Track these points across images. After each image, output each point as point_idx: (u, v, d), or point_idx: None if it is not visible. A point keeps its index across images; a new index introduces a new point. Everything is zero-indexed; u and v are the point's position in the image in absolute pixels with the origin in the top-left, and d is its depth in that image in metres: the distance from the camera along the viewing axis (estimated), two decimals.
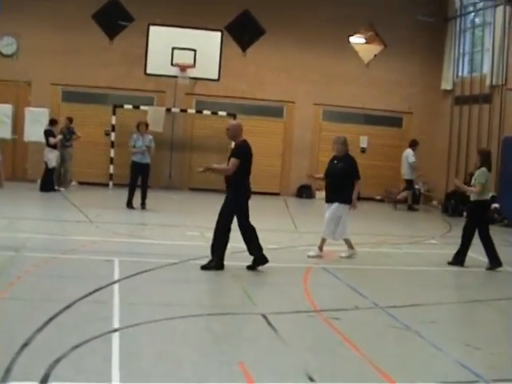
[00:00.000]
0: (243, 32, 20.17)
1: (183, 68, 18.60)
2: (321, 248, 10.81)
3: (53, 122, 18.01)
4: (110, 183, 19.73)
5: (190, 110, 20.18)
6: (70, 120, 18.53)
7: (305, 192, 20.94)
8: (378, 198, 21.37)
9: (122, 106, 19.51)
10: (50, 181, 17.86)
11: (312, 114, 21.24)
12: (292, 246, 11.86)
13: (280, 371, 5.57)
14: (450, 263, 10.75)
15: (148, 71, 18.74)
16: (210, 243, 9.50)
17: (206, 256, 9.69)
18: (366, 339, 6.62)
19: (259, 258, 9.45)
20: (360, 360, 5.94)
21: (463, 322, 8.19)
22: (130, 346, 5.98)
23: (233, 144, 10.19)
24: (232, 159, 9.25)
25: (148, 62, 18.62)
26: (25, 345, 5.76)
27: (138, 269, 9.07)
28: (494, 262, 10.54)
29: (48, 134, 17.71)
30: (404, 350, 6.46)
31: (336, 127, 20.52)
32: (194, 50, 18.61)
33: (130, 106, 19.52)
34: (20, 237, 10.96)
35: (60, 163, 18.49)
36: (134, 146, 15.45)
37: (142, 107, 19.52)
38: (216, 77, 18.96)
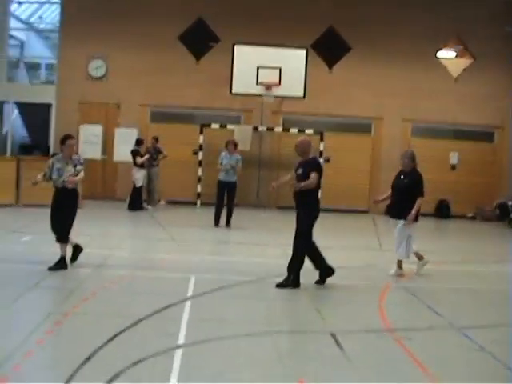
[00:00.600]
0: (329, 49, 20.05)
1: (268, 86, 18.62)
2: (400, 266, 10.49)
3: (139, 142, 18.38)
4: (198, 202, 19.91)
5: (276, 129, 20.18)
6: (156, 139, 18.87)
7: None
8: (470, 215, 20.69)
9: (209, 125, 19.71)
10: (138, 200, 18.20)
11: (400, 129, 20.83)
12: (373, 265, 11.58)
13: None
14: None
15: (234, 90, 18.86)
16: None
17: (285, 274, 9.65)
18: (435, 359, 6.36)
19: (326, 269, 9.37)
20: (425, 380, 5.68)
21: None
22: (192, 363, 5.94)
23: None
24: (313, 174, 9.10)
25: (234, 81, 18.74)
26: (87, 358, 5.82)
27: (214, 286, 9.06)
28: None
29: (135, 153, 18.08)
30: (474, 372, 6.15)
31: (425, 143, 20.08)
32: (279, 68, 18.60)
33: (217, 125, 19.69)
34: (101, 254, 11.18)
35: (148, 182, 18.82)
36: (221, 164, 15.52)
37: (229, 126, 19.66)
38: (301, 94, 18.88)
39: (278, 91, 18.75)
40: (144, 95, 20.28)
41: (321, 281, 9.44)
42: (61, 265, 9.56)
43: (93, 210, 17.74)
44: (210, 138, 19.68)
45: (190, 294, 8.65)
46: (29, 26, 27.00)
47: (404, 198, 10.29)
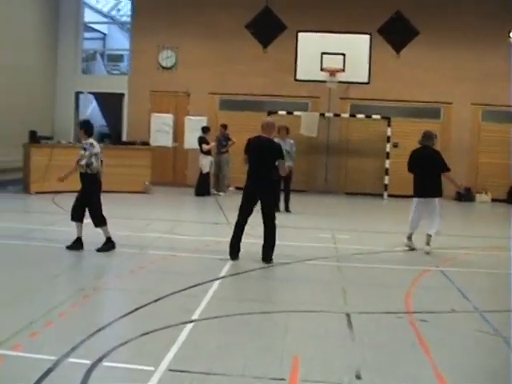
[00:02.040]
0: (396, 33, 19.84)
1: (332, 73, 18.63)
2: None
3: (205, 130, 18.77)
4: None
5: (343, 115, 20.17)
6: (225, 127, 19.22)
7: (463, 195, 20.13)
8: None
9: (276, 113, 19.89)
10: (204, 185, 18.63)
11: (470, 114, 20.42)
12: (420, 249, 11.48)
13: (331, 368, 5.52)
14: None
15: (298, 77, 18.97)
16: None
17: (324, 257, 9.85)
18: (444, 343, 6.34)
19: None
20: (424, 363, 5.71)
21: None
22: (197, 336, 6.20)
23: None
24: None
25: (298, 68, 18.86)
26: (100, 329, 6.19)
27: (248, 268, 9.31)
28: None
29: (201, 140, 18.50)
30: (479, 356, 6.13)
31: (496, 127, 19.70)
32: (343, 54, 18.58)
33: (284, 112, 19.85)
34: (151, 236, 11.62)
35: (217, 169, 19.21)
36: None
37: (296, 113, 19.80)
38: (366, 80, 18.79)
39: (341, 77, 18.72)
40: (213, 84, 20.70)
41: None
42: (77, 245, 9.95)
43: (161, 196, 18.36)
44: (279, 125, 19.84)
45: (222, 274, 8.91)
46: (109, 18, 27.92)
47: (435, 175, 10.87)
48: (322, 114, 19.93)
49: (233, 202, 17.84)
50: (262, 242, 9.80)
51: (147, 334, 6.16)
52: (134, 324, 6.54)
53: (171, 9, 20.65)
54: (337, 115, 20.10)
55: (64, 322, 6.49)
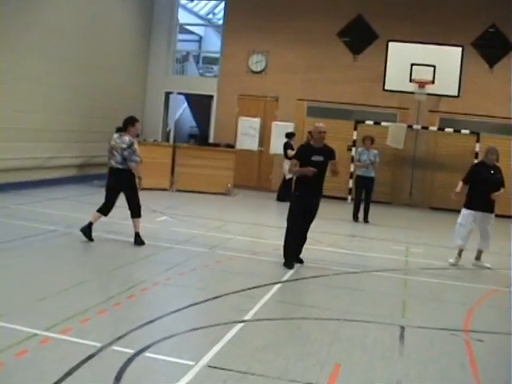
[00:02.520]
0: (491, 47, 19.32)
1: (421, 84, 18.32)
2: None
3: (290, 135, 18.80)
4: (349, 197, 20.00)
5: (431, 128, 19.77)
6: (311, 134, 19.14)
7: None
8: None
9: (364, 122, 19.73)
10: (286, 191, 18.63)
11: None
12: (501, 268, 11.10)
13: (370, 378, 5.46)
14: None
15: (386, 87, 18.75)
16: None
17: (392, 269, 9.78)
18: (495, 366, 6.16)
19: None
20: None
21: None
22: (245, 336, 6.26)
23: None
24: (333, 161, 9.98)
25: (387, 78, 18.65)
26: (151, 321, 6.34)
27: (314, 274, 9.31)
28: None
29: (286, 146, 18.53)
30: None
31: None
32: (434, 66, 18.24)
33: (371, 122, 19.66)
34: (224, 237, 11.76)
35: None
36: (359, 160, 15.66)
37: (383, 123, 19.56)
38: (456, 93, 18.38)
39: (430, 89, 18.39)
40: (301, 90, 20.72)
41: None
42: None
43: (242, 199, 18.53)
44: (364, 135, 19.69)
45: (285, 278, 8.94)
46: (206, 21, 28.42)
47: (494, 191, 10.82)
48: (410, 126, 19.59)
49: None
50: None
51: (196, 329, 6.29)
52: (186, 319, 6.66)
53: (263, 14, 20.79)
54: (425, 128, 19.72)
55: (117, 311, 6.69)
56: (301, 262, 9.85)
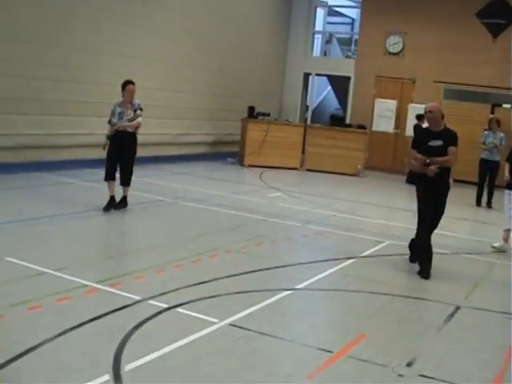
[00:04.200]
0: None
1: None
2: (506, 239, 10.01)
3: (420, 117, 18.40)
4: None
5: None
6: (442, 117, 18.69)
7: None
8: None
9: (501, 105, 18.94)
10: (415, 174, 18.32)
11: None
12: None
13: (387, 351, 5.46)
14: None
15: None
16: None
17: (488, 253, 9.67)
18: None
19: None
20: (494, 368, 5.42)
21: None
22: (284, 303, 6.50)
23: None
24: (452, 148, 8.10)
25: None
26: (200, 283, 6.72)
27: (399, 251, 9.23)
28: None
29: (416, 128, 18.20)
30: None
31: None
32: None
33: (509, 105, 18.83)
34: (326, 214, 11.94)
35: None
36: (484, 143, 15.18)
37: None
38: None
39: None
40: (438, 72, 20.19)
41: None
42: (112, 204, 10.10)
43: (371, 180, 18.49)
44: (500, 118, 18.87)
45: (364, 254, 8.98)
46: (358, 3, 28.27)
47: None
48: None
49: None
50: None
51: (240, 293, 6.57)
52: (236, 283, 6.95)
53: None
54: None
55: (174, 272, 7.13)
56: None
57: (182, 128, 17.80)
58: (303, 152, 18.79)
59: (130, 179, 10.31)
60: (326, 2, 25.08)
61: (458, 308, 6.88)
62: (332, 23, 27.08)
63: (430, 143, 8.20)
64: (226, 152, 19.16)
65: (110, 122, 10.17)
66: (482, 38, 19.46)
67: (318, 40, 25.21)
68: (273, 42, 22.01)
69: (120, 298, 5.95)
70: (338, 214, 12.04)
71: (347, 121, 21.45)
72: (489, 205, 15.08)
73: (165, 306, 5.87)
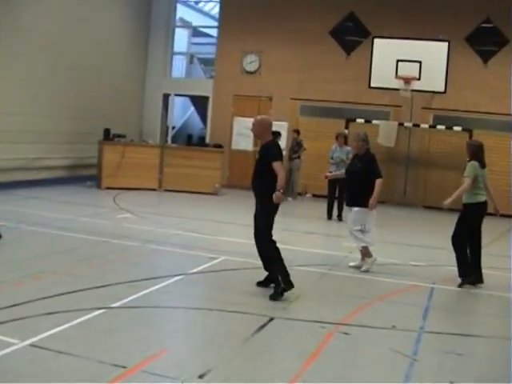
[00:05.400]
0: (485, 42, 19.03)
1: (407, 80, 18.17)
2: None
3: (276, 135, 18.81)
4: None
5: (423, 125, 19.55)
6: (297, 132, 19.26)
7: None
8: None
9: (355, 120, 19.63)
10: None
11: None
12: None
13: (183, 364, 5.56)
14: None
15: (372, 84, 18.65)
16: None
17: (316, 264, 9.78)
18: (344, 355, 6.19)
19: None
20: (286, 373, 5.55)
21: None
22: (97, 322, 6.43)
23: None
24: (275, 163, 7.91)
25: (372, 75, 18.54)
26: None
27: (235, 266, 9.31)
28: None
29: None
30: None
31: None
32: (420, 62, 18.06)
33: (362, 120, 19.55)
34: (169, 233, 11.94)
35: (287, 174, 19.18)
36: (332, 158, 15.68)
37: (374, 121, 19.43)
38: (442, 89, 18.16)
39: (416, 85, 18.22)
40: (294, 89, 20.78)
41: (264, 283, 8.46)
42: None
43: (228, 199, 18.73)
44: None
45: (194, 270, 9.06)
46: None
47: (360, 183, 9.97)
48: (402, 124, 19.45)
49: (298, 208, 17.93)
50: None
51: (51, 313, 6.46)
52: (50, 304, 6.76)
53: (257, 13, 20.99)
54: (416, 125, 19.54)
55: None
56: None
57: (39, 152, 17.38)
58: (161, 172, 18.79)
59: None
60: (191, 23, 25.34)
61: (271, 319, 7.00)
62: (197, 44, 27.30)
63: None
64: (86, 175, 18.89)
65: None
66: (336, 55, 20.24)
67: (182, 61, 25.39)
68: (131, 63, 21.94)
69: None
70: (183, 233, 12.08)
71: (207, 140, 21.60)
72: (339, 218, 15.53)
73: None
